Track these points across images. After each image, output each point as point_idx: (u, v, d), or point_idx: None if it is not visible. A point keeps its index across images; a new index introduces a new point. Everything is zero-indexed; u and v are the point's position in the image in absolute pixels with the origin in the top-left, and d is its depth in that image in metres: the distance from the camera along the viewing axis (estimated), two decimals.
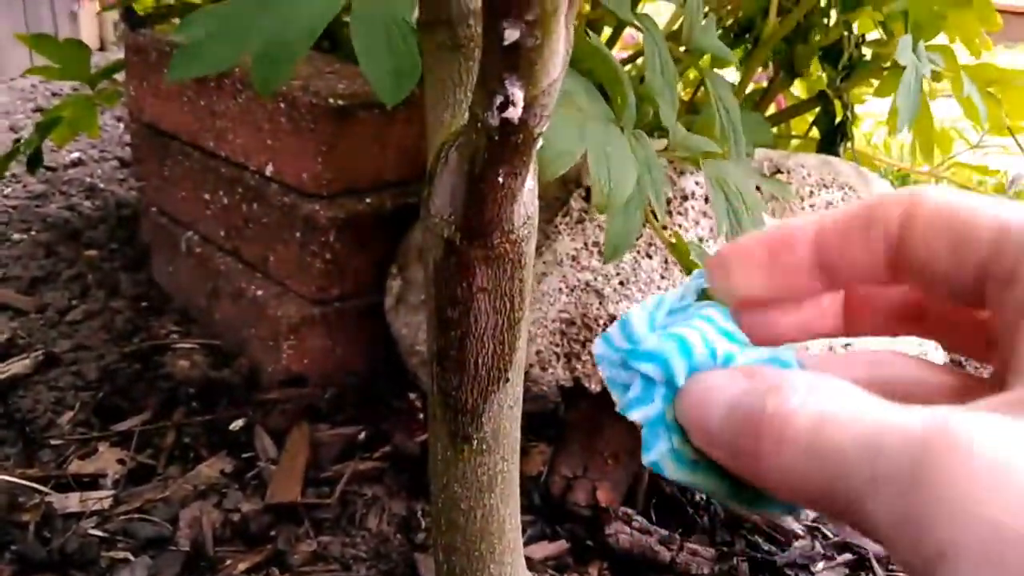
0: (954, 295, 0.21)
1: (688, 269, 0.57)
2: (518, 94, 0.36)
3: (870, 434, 0.16)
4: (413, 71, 0.56)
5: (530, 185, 0.44)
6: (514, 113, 0.37)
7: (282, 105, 0.94)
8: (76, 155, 1.79)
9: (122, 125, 2.09)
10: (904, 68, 1.09)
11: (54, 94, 2.47)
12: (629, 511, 0.79)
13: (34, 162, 1.31)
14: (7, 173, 1.39)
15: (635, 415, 0.23)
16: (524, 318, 0.47)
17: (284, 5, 0.54)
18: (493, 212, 0.42)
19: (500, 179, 0.40)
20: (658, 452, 0.22)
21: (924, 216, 0.21)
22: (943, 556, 0.14)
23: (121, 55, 3.10)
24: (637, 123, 0.68)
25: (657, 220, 0.64)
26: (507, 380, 0.47)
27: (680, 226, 0.91)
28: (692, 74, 1.31)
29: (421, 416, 0.89)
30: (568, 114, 0.57)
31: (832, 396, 0.18)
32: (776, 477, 0.18)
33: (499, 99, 0.36)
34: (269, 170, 0.97)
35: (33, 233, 1.37)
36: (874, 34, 1.36)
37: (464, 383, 0.46)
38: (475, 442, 0.48)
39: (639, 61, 1.16)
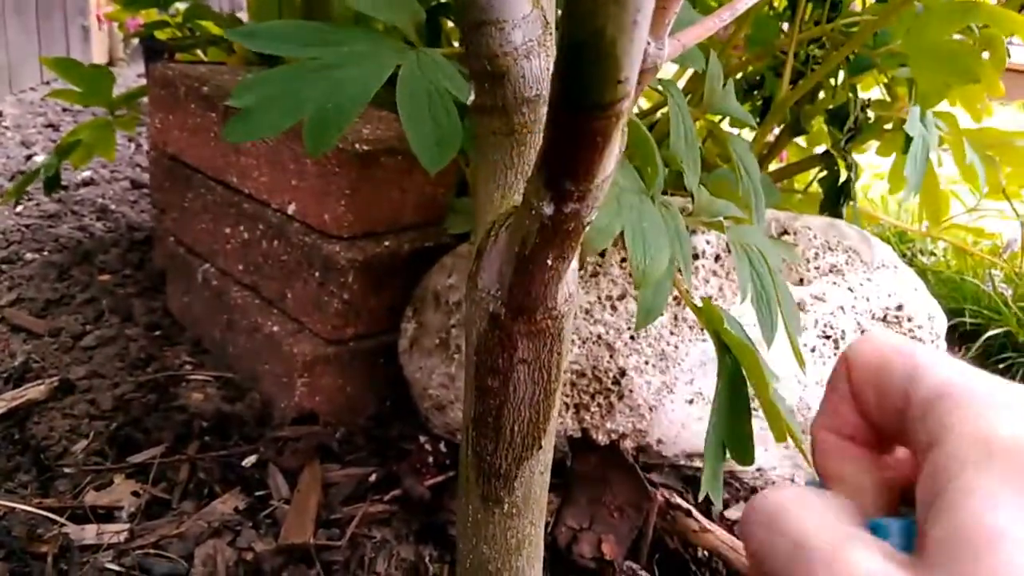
0: (890, 440, 0.23)
1: (717, 335, 0.59)
2: (574, 189, 0.39)
3: None
4: (454, 140, 0.59)
5: (573, 265, 0.46)
6: (569, 207, 0.39)
7: None
8: (87, 174, 1.81)
9: (133, 146, 2.11)
10: (908, 137, 1.13)
11: (64, 109, 2.49)
12: (633, 565, 0.81)
13: (51, 184, 1.33)
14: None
15: None
16: (558, 389, 0.49)
17: (336, 73, 0.57)
18: (539, 291, 0.44)
19: (549, 262, 0.43)
20: None
21: (857, 370, 0.23)
22: None
23: (130, 71, 3.11)
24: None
25: (683, 286, 0.66)
26: (540, 447, 0.49)
27: (691, 284, 0.94)
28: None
29: (431, 460, 0.90)
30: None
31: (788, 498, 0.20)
32: None
33: (556, 193, 0.39)
34: (292, 209, 1.00)
35: (46, 254, 1.38)
36: (876, 92, 1.40)
37: (499, 448, 0.48)
38: (506, 505, 0.49)
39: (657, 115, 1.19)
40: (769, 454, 0.94)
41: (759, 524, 0.21)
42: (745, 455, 0.59)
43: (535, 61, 0.45)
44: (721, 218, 0.76)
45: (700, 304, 0.72)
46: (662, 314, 0.94)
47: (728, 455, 0.59)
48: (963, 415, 0.20)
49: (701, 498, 0.75)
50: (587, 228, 0.42)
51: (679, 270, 0.64)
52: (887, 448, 0.24)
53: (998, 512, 0.18)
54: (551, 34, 0.45)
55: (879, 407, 0.22)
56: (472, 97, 0.47)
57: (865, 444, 0.24)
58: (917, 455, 0.21)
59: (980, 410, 0.19)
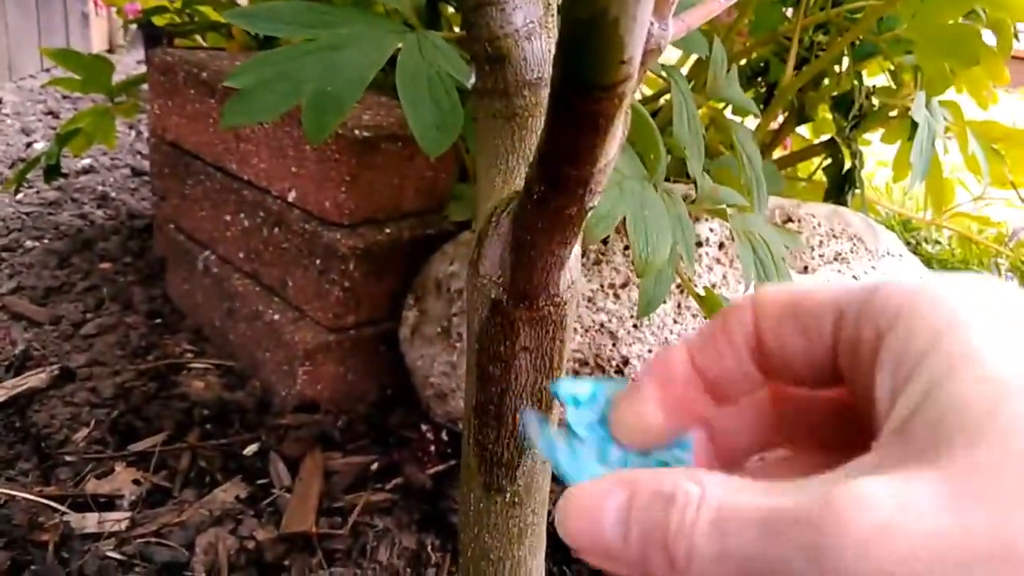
0: (815, 379, 0.22)
1: None
2: (576, 173, 0.38)
3: (768, 527, 0.17)
4: (455, 125, 0.58)
5: (576, 251, 0.45)
6: (571, 191, 0.39)
7: None
8: (87, 162, 1.81)
9: (133, 133, 2.10)
10: (914, 123, 1.12)
11: (64, 96, 2.48)
12: None
13: (51, 172, 1.33)
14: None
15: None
16: (561, 376, 0.48)
17: (334, 55, 0.56)
18: (541, 277, 0.44)
19: (551, 248, 0.42)
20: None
21: (771, 311, 0.22)
22: None
23: (129, 58, 3.09)
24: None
25: (685, 273, 0.66)
26: None
27: (694, 272, 0.93)
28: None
29: (432, 448, 0.90)
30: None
31: (725, 498, 0.19)
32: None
33: (558, 177, 0.38)
34: (292, 196, 0.99)
35: (46, 241, 1.38)
36: (881, 78, 1.39)
37: (502, 437, 0.48)
38: (508, 494, 0.49)
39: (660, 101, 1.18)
40: None
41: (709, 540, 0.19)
42: None
43: (536, 43, 0.44)
44: (724, 206, 0.75)
45: (703, 293, 0.71)
46: (664, 303, 0.93)
47: None
48: (915, 306, 0.19)
49: None
50: (589, 214, 0.41)
51: (682, 258, 0.63)
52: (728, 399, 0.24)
53: (1000, 365, 0.17)
54: (553, 15, 0.45)
55: (805, 342, 0.22)
56: (473, 80, 0.46)
57: (712, 390, 0.23)
58: (850, 376, 0.21)
59: (931, 298, 0.19)
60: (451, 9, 1.06)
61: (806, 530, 0.16)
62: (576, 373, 0.90)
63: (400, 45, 0.56)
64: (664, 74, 0.79)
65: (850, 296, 0.21)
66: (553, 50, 0.43)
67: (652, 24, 0.35)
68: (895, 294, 0.20)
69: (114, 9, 2.78)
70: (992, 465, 0.16)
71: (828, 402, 0.24)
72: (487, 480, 0.49)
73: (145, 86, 1.29)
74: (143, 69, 1.37)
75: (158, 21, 1.52)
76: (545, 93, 0.46)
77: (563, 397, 0.25)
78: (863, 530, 0.16)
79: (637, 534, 0.19)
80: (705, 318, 0.85)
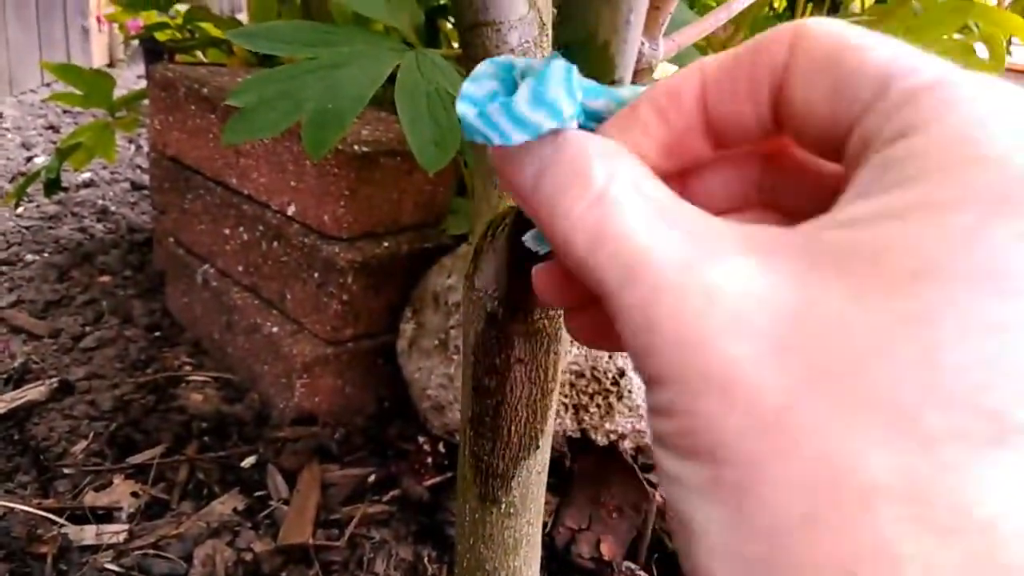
0: (835, 152, 0.18)
1: None
2: None
3: (625, 262, 0.17)
4: (453, 140, 0.59)
5: None
6: None
7: None
8: (88, 176, 1.82)
9: (133, 147, 2.11)
10: None
11: (65, 111, 2.49)
12: (632, 565, 0.81)
13: (51, 186, 1.34)
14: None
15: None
16: (555, 389, 0.49)
17: (335, 73, 0.57)
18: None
19: (546, 261, 0.43)
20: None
21: (805, 60, 0.18)
22: (659, 379, 0.16)
23: (129, 73, 3.11)
24: None
25: None
26: (538, 447, 0.49)
27: None
28: None
29: (430, 460, 0.90)
30: None
31: (619, 202, 0.18)
32: (567, 259, 0.18)
33: None
34: (291, 210, 1.00)
35: (46, 255, 1.38)
36: None
37: (497, 448, 0.48)
38: (503, 505, 0.49)
39: None
40: None
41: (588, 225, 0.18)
42: None
43: None
44: None
45: None
46: None
47: None
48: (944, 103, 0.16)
49: None
50: None
51: None
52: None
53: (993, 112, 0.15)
54: (547, 35, 0.46)
55: (830, 114, 0.18)
56: None
57: (703, 148, 0.20)
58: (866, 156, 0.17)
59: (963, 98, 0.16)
60: (449, 25, 1.07)
61: (646, 295, 0.16)
62: (572, 385, 0.91)
63: (399, 63, 0.57)
64: None
65: (898, 90, 0.16)
66: None
67: (643, 44, 0.36)
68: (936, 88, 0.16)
69: (115, 24, 2.80)
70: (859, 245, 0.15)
71: (831, 178, 0.20)
72: (483, 491, 0.49)
73: (145, 101, 1.31)
74: (143, 84, 1.39)
75: (160, 37, 1.53)
76: None
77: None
78: (696, 304, 0.15)
79: (543, 194, 0.19)
80: None
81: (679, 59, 0.83)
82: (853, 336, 0.14)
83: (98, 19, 3.26)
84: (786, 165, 0.21)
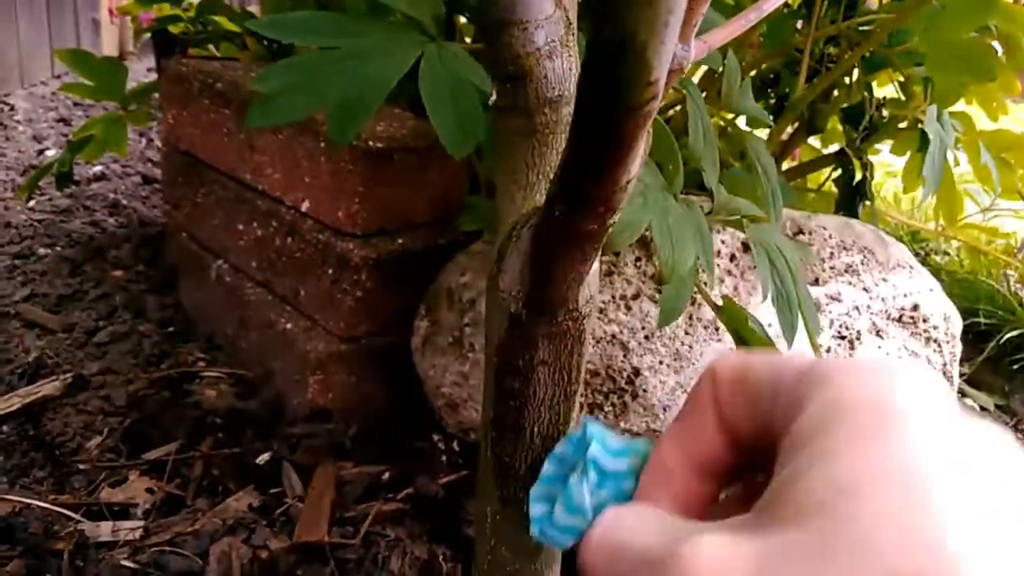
0: (761, 458, 0.23)
1: (738, 333, 0.58)
2: (598, 192, 0.38)
3: (640, 560, 0.21)
4: (478, 126, 0.58)
5: (595, 267, 0.46)
6: (592, 209, 0.39)
7: (322, 144, 0.96)
8: (99, 169, 1.82)
9: (144, 140, 2.11)
10: (923, 132, 1.12)
11: (76, 103, 2.49)
12: None
13: (63, 180, 1.34)
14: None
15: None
16: (579, 391, 0.48)
17: (359, 62, 0.56)
18: (560, 292, 0.44)
19: (571, 264, 0.42)
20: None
21: (725, 385, 0.23)
22: None
23: (139, 65, 3.11)
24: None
25: (705, 284, 0.66)
26: None
27: (704, 283, 0.93)
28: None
29: (444, 458, 0.90)
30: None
31: (625, 525, 0.23)
32: None
33: (579, 195, 0.38)
34: (305, 206, 0.99)
35: (58, 249, 1.38)
36: (890, 89, 1.40)
37: (519, 450, 0.48)
38: (525, 507, 0.49)
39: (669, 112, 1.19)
40: None
41: (601, 556, 0.23)
42: None
43: (558, 61, 0.44)
44: (740, 216, 0.76)
45: (720, 303, 0.71)
46: (684, 310, 0.94)
47: None
48: (819, 387, 0.20)
49: None
50: (610, 230, 0.41)
51: (701, 269, 0.63)
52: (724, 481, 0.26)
53: (845, 471, 0.19)
54: (574, 34, 0.45)
55: (750, 413, 0.23)
56: (494, 98, 0.46)
57: (706, 471, 0.25)
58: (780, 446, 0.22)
59: (836, 380, 0.20)
60: (463, 20, 1.06)
61: (655, 568, 0.20)
62: (587, 384, 0.91)
63: (421, 53, 0.57)
64: (677, 86, 0.79)
65: (789, 368, 0.22)
66: (574, 69, 0.44)
67: (676, 46, 0.36)
68: (821, 375, 0.21)
69: (127, 17, 2.80)
70: (801, 543, 0.18)
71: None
72: (504, 493, 0.49)
73: (157, 94, 1.30)
74: (153, 77, 1.38)
75: (172, 30, 1.53)
76: (565, 111, 0.46)
77: (593, 436, 0.30)
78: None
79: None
80: (717, 330, 0.85)
81: (707, 60, 0.83)
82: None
83: (110, 12, 3.26)
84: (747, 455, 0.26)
